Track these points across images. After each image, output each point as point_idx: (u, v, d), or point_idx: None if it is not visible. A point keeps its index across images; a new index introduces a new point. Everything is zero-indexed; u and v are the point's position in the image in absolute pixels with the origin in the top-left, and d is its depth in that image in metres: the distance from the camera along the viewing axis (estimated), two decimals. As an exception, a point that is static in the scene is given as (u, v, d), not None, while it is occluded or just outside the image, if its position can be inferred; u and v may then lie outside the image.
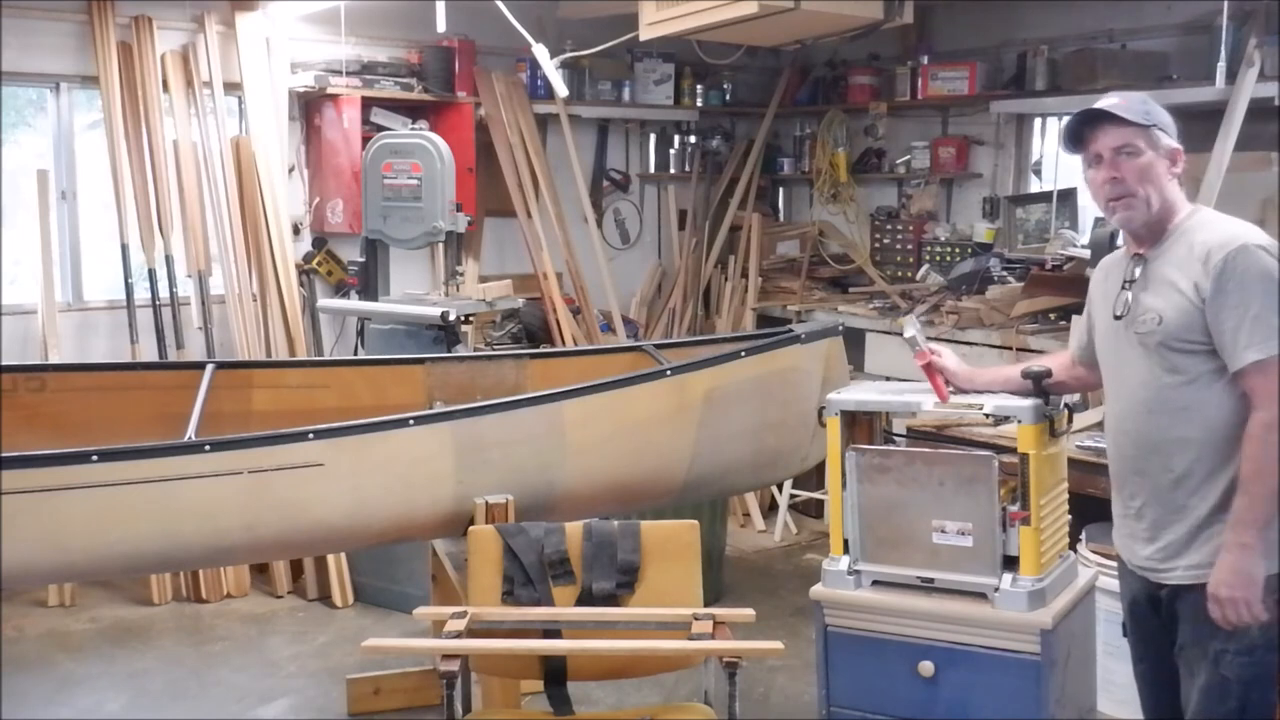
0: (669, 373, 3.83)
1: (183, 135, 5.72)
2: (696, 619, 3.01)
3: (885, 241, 7.22)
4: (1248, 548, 2.43)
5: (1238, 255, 2.44)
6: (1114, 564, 3.64)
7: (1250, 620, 2.46)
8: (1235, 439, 2.46)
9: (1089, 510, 3.88)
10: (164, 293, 5.65)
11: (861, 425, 3.37)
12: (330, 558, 5.27)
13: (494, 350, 5.62)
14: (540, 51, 4.99)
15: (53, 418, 3.86)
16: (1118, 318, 2.63)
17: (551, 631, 3.09)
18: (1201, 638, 2.51)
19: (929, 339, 3.23)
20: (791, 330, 4.33)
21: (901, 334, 3.29)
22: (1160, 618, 2.63)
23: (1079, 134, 2.64)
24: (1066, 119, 2.67)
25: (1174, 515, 2.55)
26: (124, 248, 5.57)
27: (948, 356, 3.20)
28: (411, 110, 6.38)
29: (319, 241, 6.28)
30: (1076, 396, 3.23)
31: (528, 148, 6.68)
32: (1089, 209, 6.29)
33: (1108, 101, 2.62)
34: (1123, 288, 2.64)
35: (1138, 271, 2.62)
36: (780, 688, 4.45)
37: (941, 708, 3.12)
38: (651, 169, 7.69)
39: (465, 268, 6.27)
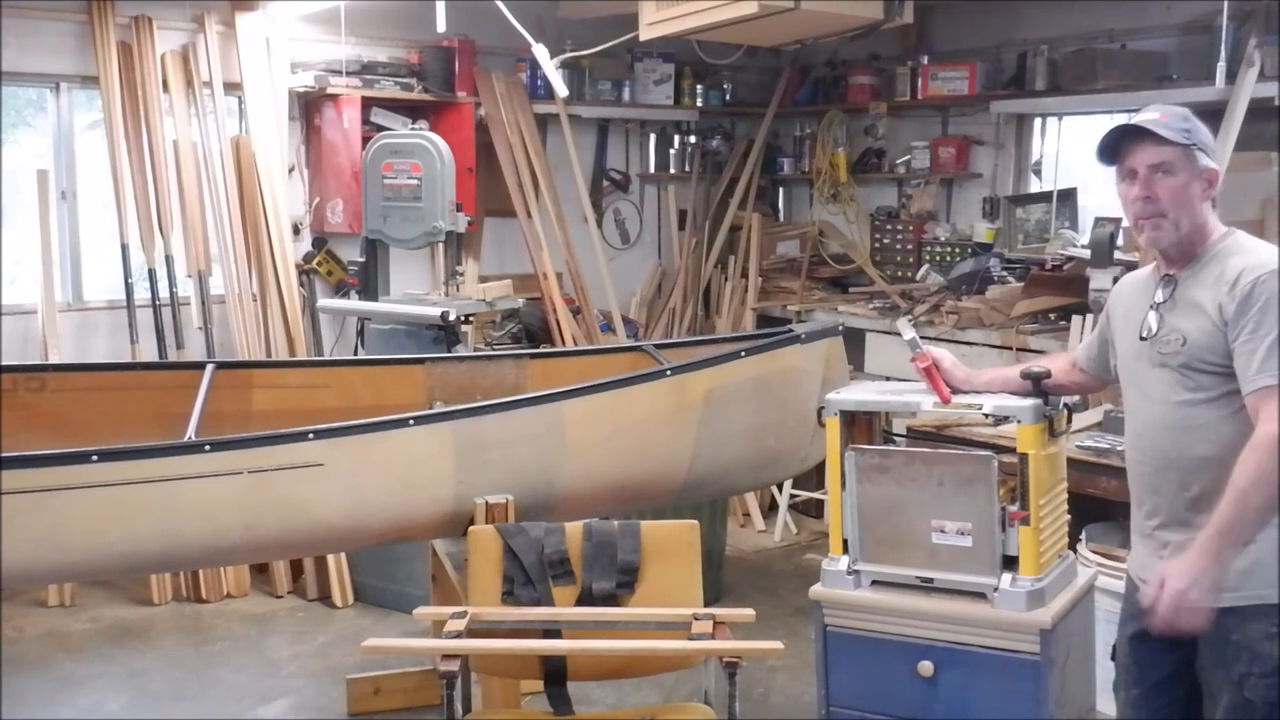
0: (669, 373, 3.84)
1: (183, 135, 5.72)
2: (696, 619, 3.01)
3: (885, 241, 7.22)
4: (1219, 557, 2.37)
5: (1267, 280, 2.39)
6: (1113, 563, 3.67)
7: (1187, 627, 2.41)
8: None
9: (1089, 510, 3.88)
10: (164, 293, 5.65)
11: (861, 425, 3.37)
12: (330, 558, 5.27)
13: (494, 350, 5.63)
14: (540, 51, 4.99)
15: (53, 418, 3.87)
16: (1143, 339, 2.60)
17: (551, 631, 3.09)
18: (1224, 661, 2.47)
19: (927, 339, 3.23)
20: (791, 330, 4.33)
21: (900, 335, 3.28)
22: (1176, 640, 2.55)
23: (1115, 146, 2.58)
24: (1104, 131, 2.57)
25: (1191, 536, 2.48)
26: (124, 248, 5.57)
27: (945, 358, 3.20)
28: (411, 110, 6.38)
29: (319, 241, 6.28)
30: (1076, 397, 3.22)
31: (528, 148, 6.68)
32: (1089, 209, 6.30)
33: (1148, 117, 2.53)
34: (1151, 309, 2.61)
35: (1167, 293, 2.59)
36: (780, 688, 4.45)
37: (941, 707, 3.12)
38: (651, 169, 7.69)
39: (465, 268, 6.27)
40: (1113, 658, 2.79)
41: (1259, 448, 2.36)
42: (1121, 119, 2.62)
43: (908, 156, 7.08)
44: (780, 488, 6.30)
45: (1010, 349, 5.54)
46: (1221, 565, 2.38)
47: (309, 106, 6.23)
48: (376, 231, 5.44)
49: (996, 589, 3.04)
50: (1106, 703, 3.20)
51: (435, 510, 3.50)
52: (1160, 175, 2.51)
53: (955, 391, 3.16)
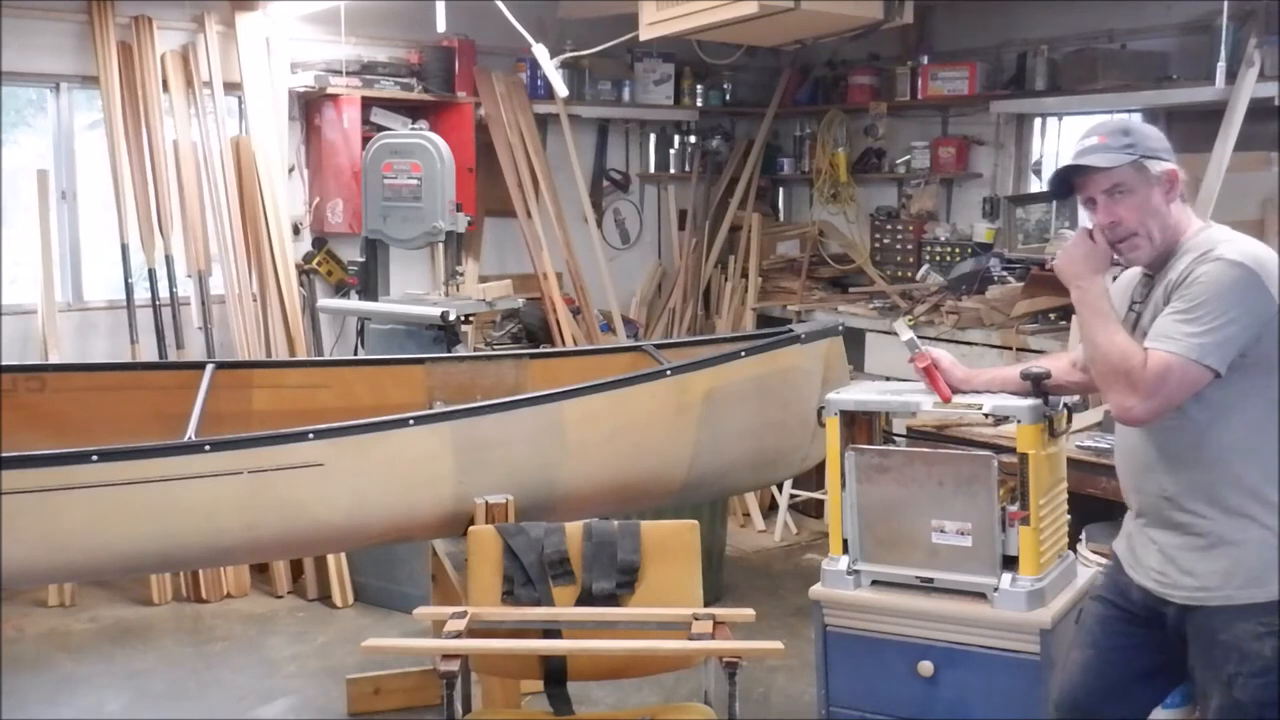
0: (669, 373, 3.83)
1: (183, 135, 5.72)
2: (696, 619, 3.01)
3: (885, 241, 7.21)
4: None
5: (1209, 263, 2.39)
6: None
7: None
8: (1225, 459, 2.44)
9: (1089, 510, 3.88)
10: (164, 293, 5.65)
11: (861, 425, 3.37)
12: (330, 558, 5.27)
13: (494, 350, 5.63)
14: (540, 51, 4.99)
15: (53, 418, 3.87)
16: None
17: (551, 631, 3.09)
18: (1213, 661, 2.47)
19: (927, 339, 3.23)
20: (791, 330, 4.33)
21: (898, 336, 3.28)
22: (1161, 633, 2.58)
23: (1067, 182, 2.59)
24: (1050, 173, 2.63)
25: (1176, 533, 2.51)
26: (124, 248, 5.57)
27: (944, 358, 3.20)
28: (411, 110, 6.38)
29: (319, 241, 6.28)
30: (1076, 397, 3.22)
31: (528, 148, 6.68)
32: (1089, 209, 6.29)
33: (1086, 145, 2.54)
34: (1130, 308, 2.62)
35: (1143, 293, 2.61)
36: (780, 688, 4.45)
37: (941, 707, 3.12)
38: (651, 169, 7.69)
39: (465, 268, 6.27)
40: (1076, 621, 2.82)
41: (1145, 363, 2.40)
42: (1121, 119, 2.61)
43: (908, 156, 7.07)
44: (780, 488, 6.30)
45: (1010, 349, 5.54)
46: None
47: (309, 106, 6.23)
48: (376, 231, 5.44)
49: (996, 589, 3.04)
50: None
51: (435, 510, 3.50)
52: (1117, 197, 2.52)
53: (955, 391, 3.16)
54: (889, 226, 7.20)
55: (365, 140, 5.83)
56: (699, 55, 6.65)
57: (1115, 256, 2.60)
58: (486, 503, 3.43)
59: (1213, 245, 2.44)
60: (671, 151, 7.70)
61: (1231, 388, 2.41)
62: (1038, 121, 6.64)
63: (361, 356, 5.65)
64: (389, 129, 6.05)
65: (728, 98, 7.65)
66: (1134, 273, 2.72)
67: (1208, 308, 2.36)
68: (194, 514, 3.22)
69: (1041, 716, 2.98)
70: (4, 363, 4.76)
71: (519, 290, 6.28)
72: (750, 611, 3.07)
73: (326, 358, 5.94)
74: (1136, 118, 2.56)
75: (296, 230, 6.19)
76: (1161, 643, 2.59)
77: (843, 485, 3.21)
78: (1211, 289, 2.37)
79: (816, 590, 3.28)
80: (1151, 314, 2.52)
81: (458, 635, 2.94)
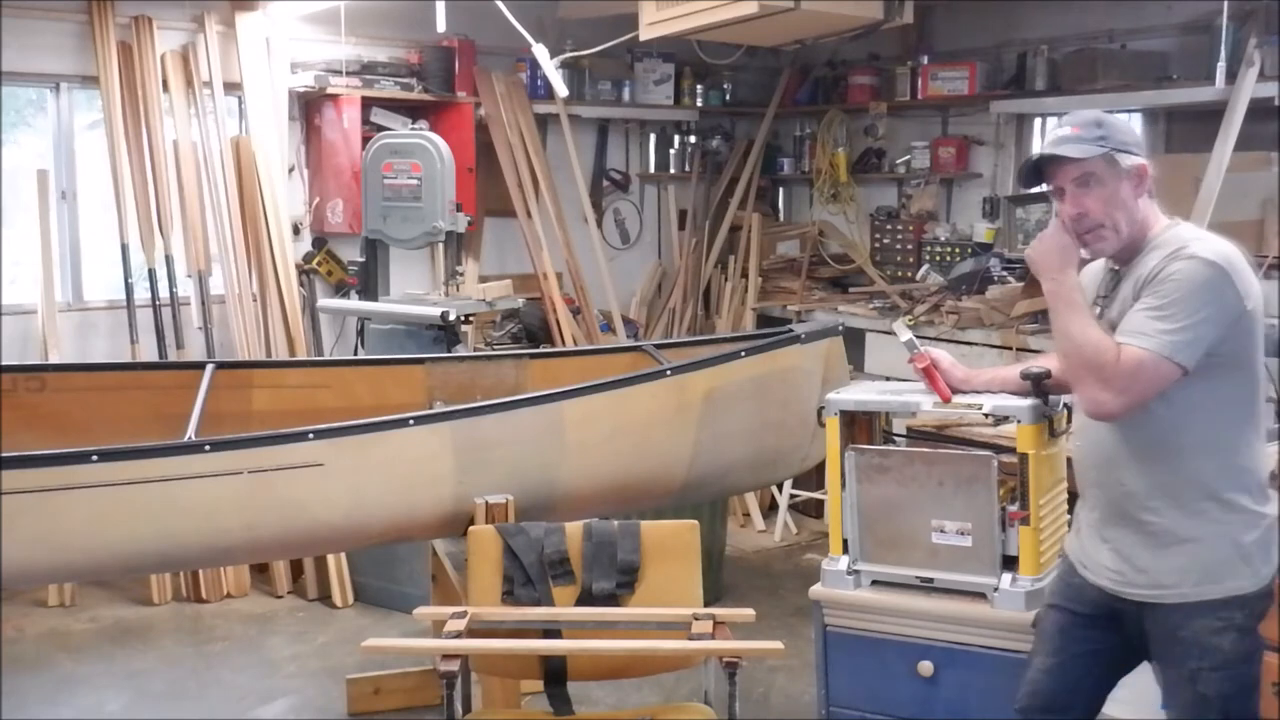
0: (669, 373, 3.84)
1: (183, 135, 5.72)
2: (696, 619, 3.01)
3: (885, 241, 7.21)
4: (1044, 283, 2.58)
5: (1182, 260, 2.39)
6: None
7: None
8: (1188, 456, 2.45)
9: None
10: (164, 293, 5.65)
11: (861, 425, 3.38)
12: (330, 558, 5.27)
13: (494, 350, 5.63)
14: (540, 51, 4.99)
15: (53, 418, 3.87)
16: None
17: (551, 631, 3.09)
18: (1175, 658, 2.49)
19: (926, 339, 3.23)
20: (791, 330, 4.33)
21: (897, 336, 3.28)
22: (1120, 631, 2.59)
23: (1038, 171, 2.61)
24: (1024, 162, 2.63)
25: (1131, 530, 2.52)
26: (124, 248, 5.57)
27: (944, 358, 3.20)
28: (411, 110, 6.38)
29: (319, 241, 6.28)
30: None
31: (528, 148, 6.68)
32: (1089, 209, 6.29)
33: (1060, 135, 2.56)
34: (1095, 303, 2.63)
35: (1109, 287, 2.62)
36: (780, 688, 4.45)
37: (941, 707, 3.12)
38: (651, 169, 7.69)
39: (465, 268, 6.27)
40: (1033, 625, 2.82)
41: (1118, 358, 2.38)
42: (1094, 111, 2.63)
43: (908, 156, 7.07)
44: (780, 488, 6.30)
45: (1010, 349, 5.54)
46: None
47: (309, 106, 6.23)
48: (376, 231, 5.44)
49: (996, 589, 3.04)
50: (1107, 702, 3.20)
51: (435, 510, 3.50)
52: (1086, 188, 2.53)
53: (955, 391, 3.16)
54: (889, 226, 7.20)
55: (365, 140, 5.83)
56: (699, 55, 6.65)
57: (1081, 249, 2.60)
58: (486, 503, 3.43)
59: (1184, 243, 2.44)
60: (671, 151, 7.70)
61: (1196, 386, 2.42)
62: (1038, 121, 6.63)
63: (361, 356, 5.65)
64: (389, 129, 6.05)
65: (728, 98, 7.64)
66: (1098, 266, 2.72)
67: (1180, 305, 2.37)
68: (194, 514, 3.22)
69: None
70: (4, 363, 4.76)
71: (519, 290, 6.28)
72: (750, 611, 3.07)
73: (326, 358, 5.94)
74: (1136, 117, 2.54)
75: (296, 230, 6.19)
76: (1122, 640, 2.61)
77: (843, 485, 3.22)
78: (1185, 287, 2.37)
79: (816, 590, 3.28)
80: (1119, 309, 2.52)
81: (458, 635, 2.94)
